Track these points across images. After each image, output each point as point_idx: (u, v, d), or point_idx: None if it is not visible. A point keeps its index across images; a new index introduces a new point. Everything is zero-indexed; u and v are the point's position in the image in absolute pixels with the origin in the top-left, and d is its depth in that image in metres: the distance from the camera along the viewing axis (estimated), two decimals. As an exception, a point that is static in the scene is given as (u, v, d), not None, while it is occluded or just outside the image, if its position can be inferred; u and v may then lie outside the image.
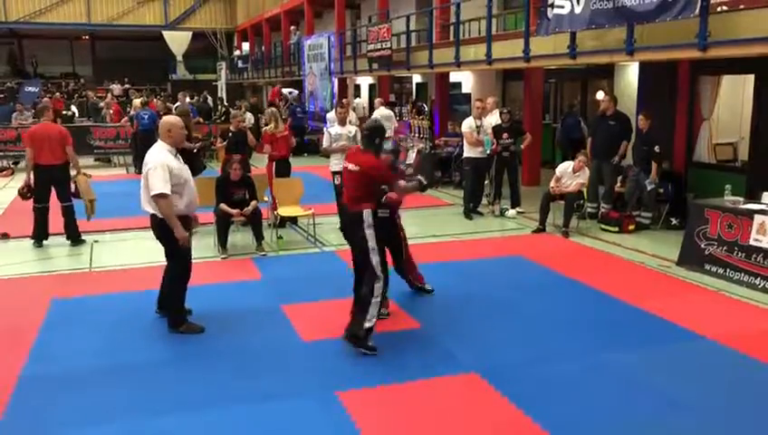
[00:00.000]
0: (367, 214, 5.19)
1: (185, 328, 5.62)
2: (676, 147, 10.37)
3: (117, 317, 5.95)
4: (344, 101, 10.57)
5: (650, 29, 7.97)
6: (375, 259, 5.17)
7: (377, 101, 15.74)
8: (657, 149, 9.05)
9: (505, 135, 10.20)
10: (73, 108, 20.25)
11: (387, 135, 5.72)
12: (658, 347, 5.33)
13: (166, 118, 5.88)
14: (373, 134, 5.34)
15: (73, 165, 8.59)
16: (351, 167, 5.28)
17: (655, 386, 4.63)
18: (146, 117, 15.35)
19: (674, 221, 9.30)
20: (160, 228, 5.44)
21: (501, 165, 10.31)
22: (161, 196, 5.24)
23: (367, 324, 5.10)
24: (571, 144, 12.63)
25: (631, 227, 9.18)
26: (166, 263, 5.70)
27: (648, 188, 9.16)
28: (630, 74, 11.74)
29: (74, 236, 8.67)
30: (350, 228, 5.41)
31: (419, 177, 5.74)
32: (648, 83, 11.09)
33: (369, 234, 5.18)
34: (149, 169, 5.30)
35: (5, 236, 9.00)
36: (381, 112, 13.89)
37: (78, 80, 35.40)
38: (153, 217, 5.45)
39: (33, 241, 8.58)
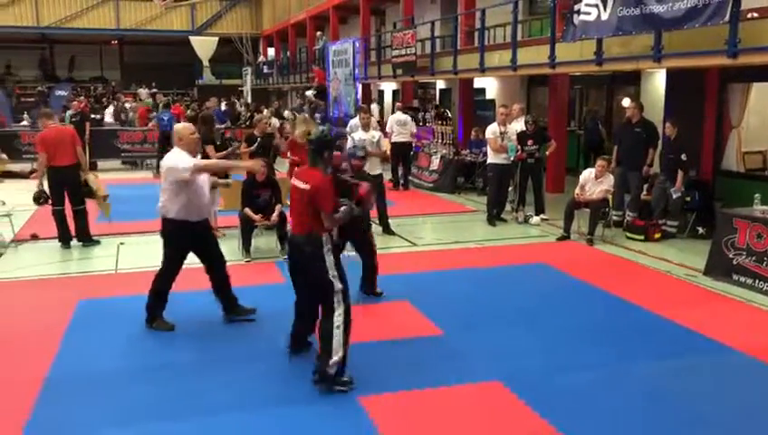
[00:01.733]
0: (326, 236, 4.62)
1: (156, 325, 5.79)
2: (703, 155, 10.24)
3: (142, 319, 5.99)
4: (362, 106, 10.60)
5: (678, 35, 7.89)
6: (338, 286, 4.58)
7: (397, 105, 15.79)
8: (683, 157, 8.94)
9: (530, 142, 10.15)
10: (108, 116, 20.48)
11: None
12: (684, 358, 5.25)
13: (176, 126, 6.04)
14: (320, 147, 4.68)
15: (82, 167, 8.80)
16: (301, 185, 4.65)
17: (679, 398, 4.57)
18: (165, 118, 15.59)
19: (701, 230, 9.17)
20: (166, 228, 5.70)
21: (525, 172, 10.26)
22: (194, 169, 5.44)
23: (334, 358, 4.53)
24: (591, 149, 12.55)
25: (657, 236, 9.07)
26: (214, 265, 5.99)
27: (674, 197, 9.05)
28: (657, 81, 11.63)
29: (86, 238, 8.82)
30: (301, 255, 4.68)
31: (349, 204, 5.01)
32: (675, 91, 10.97)
33: (329, 255, 4.61)
34: (168, 168, 5.53)
35: (35, 238, 9.16)
36: (398, 117, 13.91)
37: (107, 84, 35.92)
38: (163, 220, 5.70)
39: (60, 243, 8.72)
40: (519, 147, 10.11)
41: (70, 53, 36.44)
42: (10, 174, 15.43)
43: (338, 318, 4.57)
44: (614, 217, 9.67)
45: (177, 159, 5.52)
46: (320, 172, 4.64)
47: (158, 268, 5.88)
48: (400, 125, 13.60)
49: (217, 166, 5.47)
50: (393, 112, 15.02)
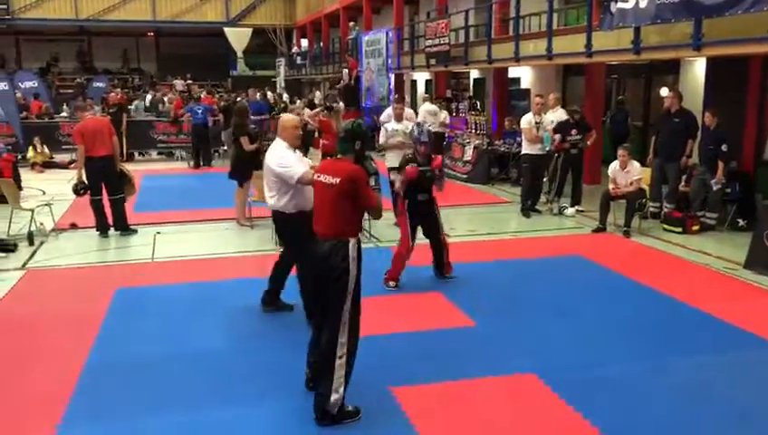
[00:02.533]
0: (353, 243, 4.13)
1: (277, 306, 5.97)
2: (745, 146, 10.00)
3: (179, 307, 6.10)
4: (396, 96, 10.58)
5: (719, 23, 7.69)
6: (347, 305, 4.08)
7: (424, 96, 15.75)
8: (723, 147, 8.73)
9: (574, 131, 10.01)
10: (149, 96, 20.88)
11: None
12: (722, 353, 5.15)
13: (282, 116, 5.93)
14: (353, 137, 4.28)
15: (116, 155, 8.98)
16: (328, 179, 4.15)
17: (717, 394, 4.48)
18: (199, 111, 15.75)
19: (741, 222, 8.97)
20: (282, 224, 5.63)
21: (568, 162, 10.10)
22: (300, 179, 5.25)
23: (334, 396, 4.04)
24: (617, 139, 12.32)
25: (695, 228, 8.89)
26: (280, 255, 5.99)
27: (714, 189, 8.85)
28: (697, 70, 11.36)
29: (124, 227, 8.98)
30: (323, 263, 4.12)
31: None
32: (715, 80, 10.72)
33: (353, 271, 4.10)
34: (280, 166, 5.32)
35: (74, 227, 9.35)
36: (426, 108, 13.98)
37: (143, 75, 36.44)
38: (275, 213, 5.59)
39: (98, 232, 8.89)
40: (555, 137, 9.96)
41: (105, 45, 36.99)
42: (50, 164, 15.80)
43: (341, 347, 4.05)
44: (651, 209, 9.50)
45: (286, 168, 5.29)
46: (349, 162, 4.23)
47: (279, 264, 5.92)
48: (431, 115, 13.61)
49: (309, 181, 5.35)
50: (423, 103, 15.01)
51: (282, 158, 5.36)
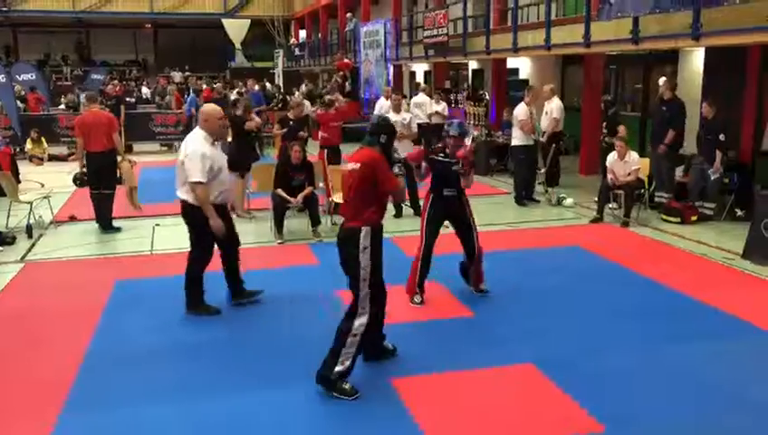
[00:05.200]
0: (365, 232, 4.32)
1: (202, 310, 5.76)
2: (743, 136, 10.00)
3: (178, 299, 6.10)
4: (387, 88, 10.59)
5: (718, 12, 7.68)
6: (365, 291, 4.32)
7: (421, 87, 15.76)
8: (721, 137, 8.73)
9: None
10: (145, 89, 20.94)
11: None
12: (720, 341, 5.17)
13: (204, 107, 5.97)
14: (378, 131, 4.50)
15: (119, 151, 8.83)
16: (351, 166, 4.41)
17: (716, 382, 4.50)
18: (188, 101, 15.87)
19: (739, 212, 8.98)
20: (191, 215, 5.59)
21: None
22: (198, 184, 5.35)
23: (338, 368, 4.27)
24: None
25: (694, 218, 8.91)
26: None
27: (713, 178, 8.86)
28: (696, 60, 11.36)
29: (104, 224, 8.78)
30: (341, 248, 4.44)
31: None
32: (714, 70, 10.71)
33: (365, 258, 4.31)
34: (187, 156, 5.41)
35: (73, 219, 9.35)
36: (415, 99, 14.05)
37: (141, 67, 36.35)
38: (184, 203, 5.59)
39: (97, 225, 8.88)
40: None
41: (104, 36, 36.89)
42: (50, 157, 15.79)
43: (358, 326, 4.31)
44: (657, 199, 9.52)
45: (194, 165, 5.35)
46: (371, 149, 4.41)
47: (190, 259, 5.81)
48: (417, 107, 13.70)
49: (202, 203, 5.38)
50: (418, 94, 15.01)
51: (194, 151, 5.39)
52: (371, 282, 4.36)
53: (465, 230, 6.05)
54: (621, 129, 10.04)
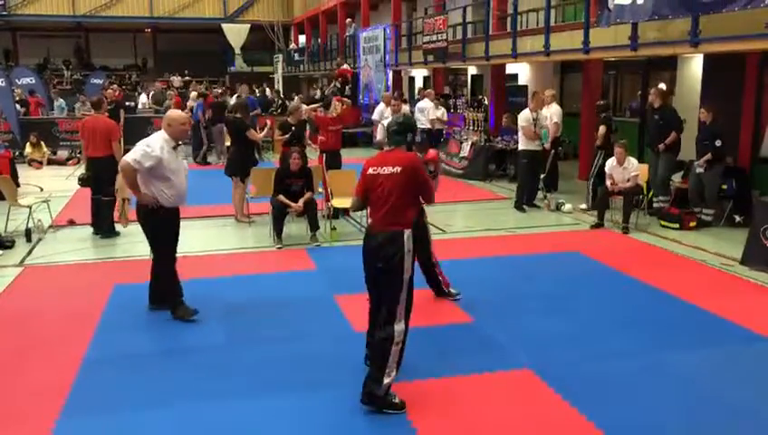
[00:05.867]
0: (408, 235, 4.19)
1: (182, 313, 5.78)
2: (741, 142, 10.02)
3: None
4: (386, 93, 10.61)
5: (716, 19, 7.71)
6: (404, 296, 4.22)
7: (424, 93, 15.82)
8: (717, 143, 8.75)
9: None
10: (143, 97, 20.92)
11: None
12: (719, 348, 5.18)
13: (169, 112, 6.08)
14: (405, 130, 4.44)
15: (117, 159, 8.77)
16: (387, 170, 4.20)
17: (714, 389, 4.50)
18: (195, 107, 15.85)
19: (738, 219, 9.00)
20: (143, 217, 5.70)
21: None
22: (128, 164, 5.46)
23: (387, 380, 4.14)
24: None
25: (692, 224, 8.92)
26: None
27: (697, 171, 8.87)
28: (694, 67, 11.39)
29: (103, 229, 8.74)
30: (378, 254, 4.20)
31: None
32: (712, 76, 10.74)
33: (408, 262, 4.20)
34: (140, 144, 5.57)
35: (72, 223, 9.35)
36: (419, 105, 14.25)
37: (140, 72, 36.36)
38: (138, 207, 5.72)
39: (92, 230, 8.85)
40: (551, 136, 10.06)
41: (104, 41, 36.92)
42: (50, 161, 15.79)
43: (399, 333, 4.18)
44: (655, 204, 9.54)
45: (136, 150, 5.50)
46: (404, 151, 4.32)
47: (154, 265, 5.89)
48: (419, 112, 13.83)
49: (129, 181, 5.58)
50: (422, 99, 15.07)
51: (142, 142, 5.55)
52: (409, 284, 4.26)
53: (423, 238, 5.94)
54: (601, 129, 10.03)
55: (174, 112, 6.03)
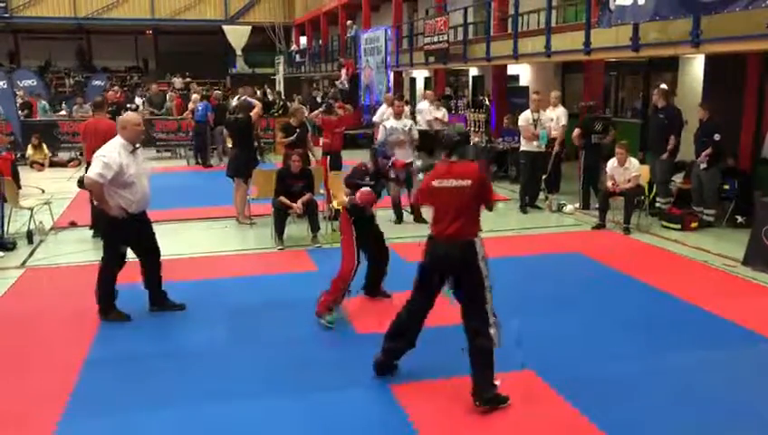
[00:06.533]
0: (480, 242, 4.37)
1: (113, 316, 5.78)
2: (742, 143, 10.01)
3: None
4: (388, 95, 10.60)
5: (718, 20, 7.69)
6: (489, 296, 4.38)
7: (425, 93, 15.85)
8: (716, 137, 8.75)
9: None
10: (138, 100, 20.87)
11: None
12: (721, 349, 5.17)
13: (123, 115, 6.06)
14: (467, 140, 4.62)
15: None
16: (456, 183, 4.31)
17: (717, 391, 4.49)
18: (200, 108, 15.79)
19: (739, 219, 8.98)
20: (105, 223, 5.74)
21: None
22: (93, 181, 5.45)
23: (497, 381, 4.31)
24: None
25: (694, 225, 8.91)
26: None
27: (701, 167, 8.85)
28: (696, 67, 11.38)
29: (98, 230, 8.51)
30: (457, 264, 4.38)
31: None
32: (714, 77, 10.73)
33: (485, 267, 4.38)
34: (96, 157, 5.55)
35: (73, 225, 9.35)
36: (418, 106, 14.26)
37: (142, 73, 36.40)
38: (93, 207, 5.67)
39: (91, 232, 8.84)
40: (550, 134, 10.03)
41: (105, 43, 36.97)
42: (51, 163, 15.81)
43: (495, 335, 4.30)
44: (658, 205, 9.53)
45: (97, 164, 5.46)
46: (469, 163, 4.42)
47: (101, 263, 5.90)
48: (418, 113, 13.82)
49: (98, 197, 5.59)
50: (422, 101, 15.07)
51: (101, 154, 5.50)
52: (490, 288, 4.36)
53: (378, 243, 6.11)
54: (576, 132, 10.05)
55: (128, 115, 5.97)
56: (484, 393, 4.24)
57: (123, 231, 5.71)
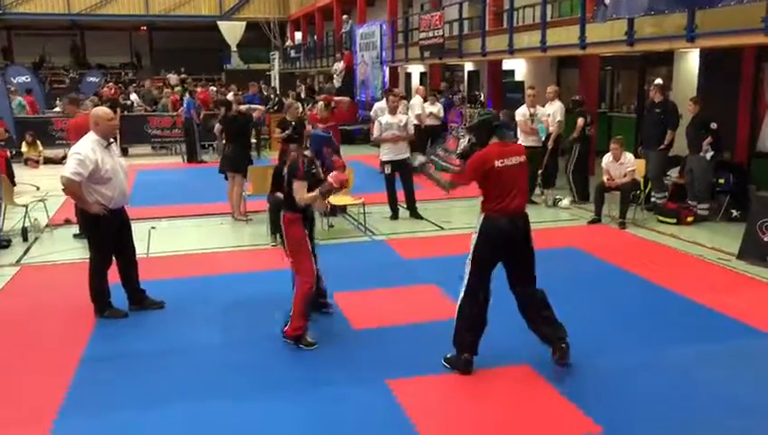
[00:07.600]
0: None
1: (109, 313, 5.77)
2: (738, 136, 10.03)
3: (173, 302, 6.10)
4: (391, 89, 10.60)
5: (712, 14, 7.70)
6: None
7: (419, 89, 15.84)
8: (713, 125, 8.77)
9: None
10: (133, 96, 20.85)
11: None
12: (716, 343, 5.18)
13: (94, 110, 5.97)
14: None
15: None
16: (515, 160, 4.59)
17: (712, 384, 4.51)
18: (185, 105, 15.86)
19: (735, 213, 9.00)
20: (80, 217, 5.68)
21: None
22: (69, 180, 5.38)
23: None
24: None
25: (689, 219, 8.93)
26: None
27: (708, 157, 8.86)
28: (691, 62, 11.39)
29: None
30: (521, 233, 4.65)
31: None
32: (709, 71, 10.74)
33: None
34: (70, 154, 5.51)
35: (68, 222, 9.32)
36: (412, 102, 14.24)
37: (137, 69, 36.30)
38: (76, 206, 5.70)
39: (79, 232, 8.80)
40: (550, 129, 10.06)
41: (99, 39, 36.85)
42: (46, 160, 15.77)
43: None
44: (653, 200, 9.55)
45: (72, 162, 5.40)
46: (515, 142, 4.90)
47: (90, 262, 5.85)
48: (410, 108, 13.86)
49: (76, 195, 5.53)
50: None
51: (75, 151, 5.46)
52: None
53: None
54: (579, 121, 10.12)
55: (99, 110, 5.88)
56: (565, 339, 4.67)
57: (105, 227, 5.66)
